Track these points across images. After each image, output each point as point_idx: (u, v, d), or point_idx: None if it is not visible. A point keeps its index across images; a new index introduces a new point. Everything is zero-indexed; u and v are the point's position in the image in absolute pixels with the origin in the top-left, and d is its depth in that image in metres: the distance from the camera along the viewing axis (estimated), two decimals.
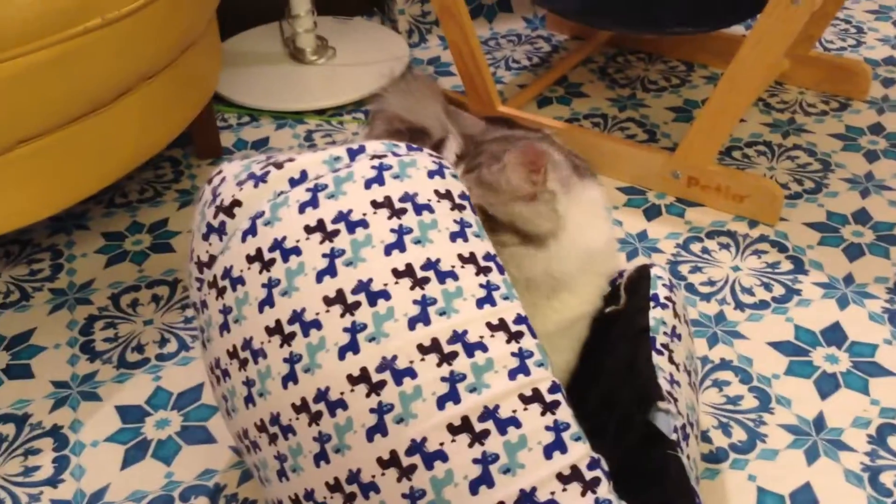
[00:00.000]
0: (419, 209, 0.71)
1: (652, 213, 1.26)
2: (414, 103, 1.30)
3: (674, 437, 0.71)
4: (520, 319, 0.69)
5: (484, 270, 0.70)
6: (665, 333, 0.79)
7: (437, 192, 0.72)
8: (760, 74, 1.14)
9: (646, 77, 1.58)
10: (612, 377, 0.80)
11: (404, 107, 1.30)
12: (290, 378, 0.67)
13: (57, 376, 1.04)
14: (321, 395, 0.65)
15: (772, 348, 1.03)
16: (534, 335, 0.69)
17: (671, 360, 0.77)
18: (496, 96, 1.40)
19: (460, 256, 0.70)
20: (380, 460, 0.64)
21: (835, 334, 1.05)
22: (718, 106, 1.19)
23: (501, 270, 0.71)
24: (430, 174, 0.73)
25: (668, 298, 0.82)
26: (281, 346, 0.67)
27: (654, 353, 0.76)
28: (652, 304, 0.80)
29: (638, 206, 1.27)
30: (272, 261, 0.69)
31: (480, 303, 0.68)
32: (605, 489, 0.65)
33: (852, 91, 1.49)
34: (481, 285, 0.69)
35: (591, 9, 1.26)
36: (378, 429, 0.64)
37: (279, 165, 0.73)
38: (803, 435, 0.93)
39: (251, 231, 0.71)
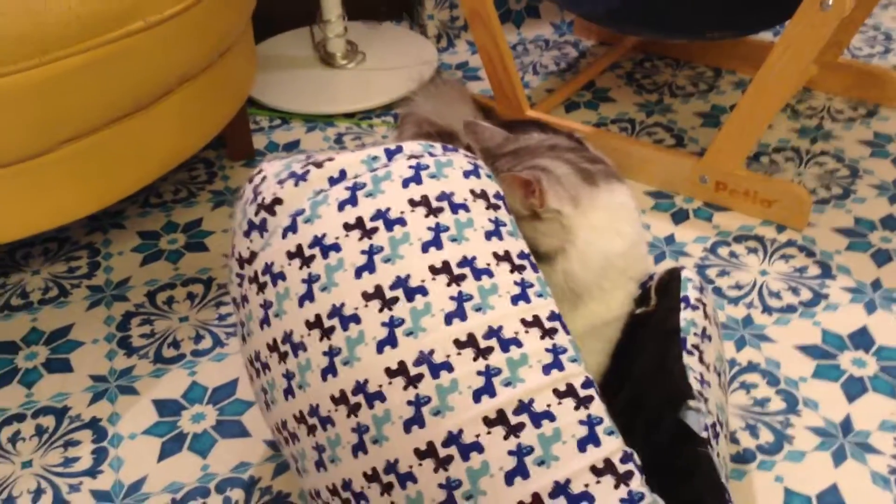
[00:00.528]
0: (455, 208, 0.72)
1: (680, 217, 1.27)
2: (444, 107, 1.32)
3: (704, 434, 0.73)
4: (553, 316, 0.70)
5: (518, 268, 0.72)
6: (695, 334, 0.80)
7: (472, 191, 0.74)
8: (789, 80, 1.15)
9: (673, 82, 1.59)
10: (642, 377, 0.81)
11: (434, 110, 1.32)
12: (329, 370, 0.69)
13: (95, 370, 1.07)
14: (360, 388, 0.67)
15: (799, 352, 1.04)
16: (567, 332, 0.70)
17: (701, 361, 0.79)
18: (524, 100, 1.42)
19: (495, 254, 0.71)
20: (417, 451, 0.65)
21: (862, 338, 1.05)
22: (747, 111, 1.19)
23: (535, 269, 0.73)
24: (466, 174, 0.75)
25: (698, 300, 0.83)
26: (321, 339, 0.69)
27: (684, 354, 0.77)
28: (682, 305, 0.82)
29: (666, 210, 1.28)
30: (312, 257, 0.71)
31: (515, 299, 0.69)
32: (637, 482, 0.66)
33: (880, 98, 1.49)
34: (516, 282, 0.70)
35: (620, 13, 1.27)
36: (415, 420, 0.65)
37: (319, 164, 0.75)
38: (830, 437, 0.94)
39: (292, 228, 0.73)
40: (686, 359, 0.77)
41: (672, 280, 0.85)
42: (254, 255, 0.76)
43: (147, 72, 1.01)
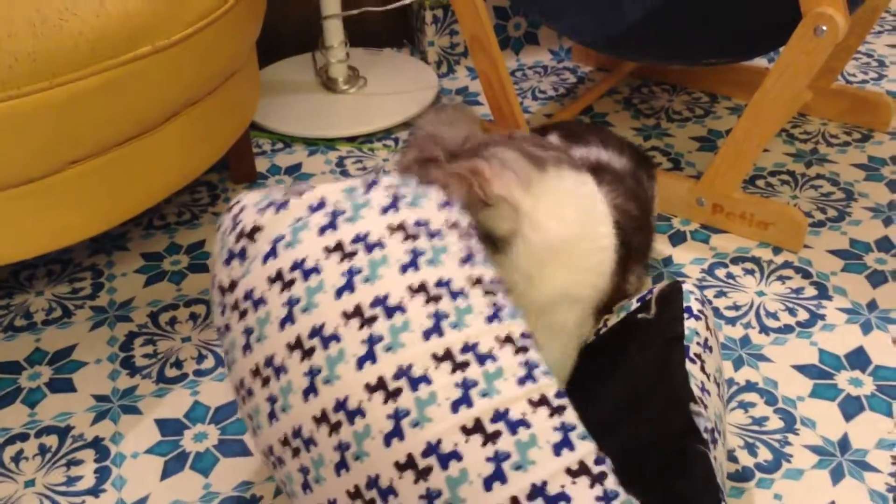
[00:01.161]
0: (431, 235, 0.75)
1: (677, 238, 1.28)
2: (449, 130, 1.34)
3: (705, 436, 0.74)
4: (525, 335, 0.74)
5: (490, 293, 0.75)
6: (698, 343, 0.81)
7: (447, 221, 0.77)
8: (784, 105, 1.17)
9: (670, 107, 1.62)
10: (641, 380, 0.82)
11: (439, 134, 1.34)
12: (310, 390, 0.70)
13: (98, 390, 1.08)
14: (340, 405, 0.69)
15: (796, 371, 1.05)
16: (537, 350, 0.74)
17: (703, 370, 0.80)
18: (524, 124, 1.44)
19: (469, 278, 0.74)
20: (397, 464, 0.66)
21: (859, 358, 1.06)
22: (743, 135, 1.21)
23: (505, 293, 0.76)
24: (441, 205, 0.78)
25: (700, 311, 0.85)
26: (301, 360, 0.71)
27: (686, 361, 0.79)
28: (686, 315, 0.83)
29: (663, 232, 1.30)
30: (292, 280, 0.73)
31: (489, 319, 0.72)
32: (611, 482, 0.68)
33: (874, 122, 1.52)
34: (488, 305, 0.73)
35: (618, 40, 1.29)
36: (395, 433, 0.67)
37: (300, 194, 0.78)
38: (828, 455, 0.94)
39: (272, 253, 0.75)
40: (688, 366, 0.78)
41: (674, 291, 0.86)
42: (234, 283, 0.78)
43: (154, 95, 1.03)
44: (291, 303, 0.72)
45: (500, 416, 0.67)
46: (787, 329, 1.11)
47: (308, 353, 0.70)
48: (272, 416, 0.73)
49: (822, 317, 1.13)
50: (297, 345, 0.71)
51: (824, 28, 1.08)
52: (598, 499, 0.66)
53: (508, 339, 0.72)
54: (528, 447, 0.67)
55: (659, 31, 1.23)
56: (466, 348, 0.70)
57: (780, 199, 1.35)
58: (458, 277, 0.73)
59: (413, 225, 0.75)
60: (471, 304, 0.72)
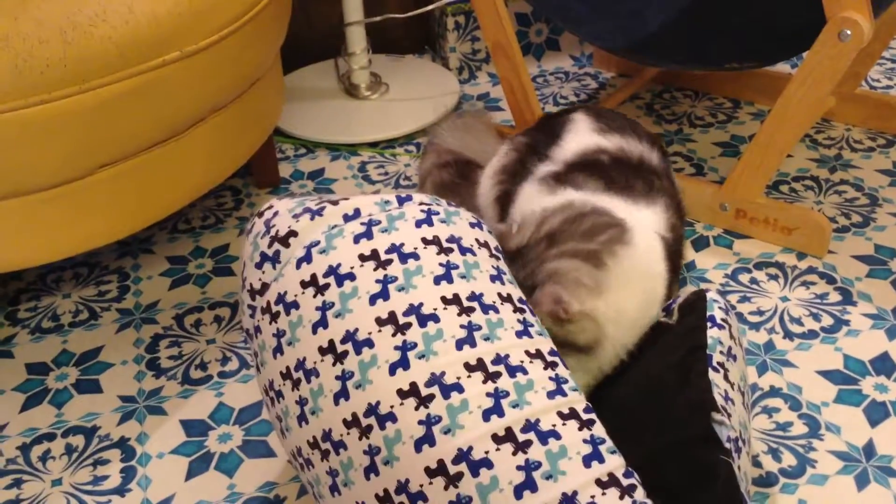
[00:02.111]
0: (464, 250, 0.77)
1: (700, 244, 1.28)
2: (467, 137, 1.35)
3: (727, 446, 0.73)
4: (553, 352, 0.75)
5: (519, 310, 0.76)
6: (721, 352, 0.81)
7: (477, 240, 0.79)
8: (808, 111, 1.17)
9: (692, 113, 1.61)
10: (664, 388, 0.82)
11: (456, 141, 1.34)
12: (341, 394, 0.70)
13: (124, 391, 1.09)
14: (371, 410, 0.69)
15: (821, 377, 1.04)
16: (566, 366, 0.75)
17: (726, 378, 0.80)
18: None
19: (500, 295, 0.76)
20: (427, 469, 0.67)
21: (884, 364, 1.06)
22: (766, 140, 1.21)
23: (533, 312, 0.78)
24: (472, 225, 0.81)
25: (724, 320, 0.84)
26: (333, 364, 0.71)
27: (710, 370, 0.79)
28: (709, 324, 0.83)
29: (687, 238, 1.29)
30: (326, 285, 0.74)
31: (519, 334, 0.74)
32: (641, 494, 0.68)
33: None
34: (518, 321, 0.75)
35: (639, 45, 1.29)
36: (426, 439, 0.67)
37: (335, 203, 0.79)
38: (853, 461, 0.94)
39: (306, 258, 0.76)
40: (711, 375, 0.78)
41: (698, 300, 0.86)
42: (265, 286, 0.78)
43: (182, 100, 1.04)
44: (325, 307, 0.73)
45: (530, 426, 0.68)
46: (812, 334, 1.11)
47: (340, 358, 0.71)
48: (302, 417, 0.74)
49: (847, 322, 1.12)
50: (329, 349, 0.72)
51: (849, 32, 1.07)
52: None
53: (538, 354, 0.73)
54: (558, 458, 0.67)
55: (680, 36, 1.23)
56: (498, 360, 0.70)
57: (804, 204, 1.35)
58: (490, 292, 0.75)
59: (446, 240, 0.76)
60: (502, 318, 0.73)
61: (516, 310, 0.75)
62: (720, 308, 0.86)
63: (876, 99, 1.52)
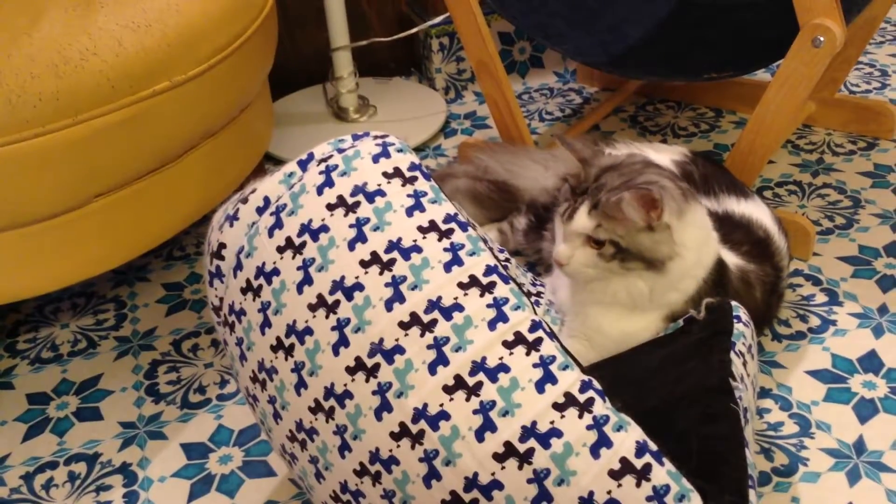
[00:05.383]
0: (371, 197, 0.74)
1: None
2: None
3: (739, 402, 0.77)
4: (489, 270, 0.72)
5: (446, 234, 0.73)
6: (744, 344, 0.85)
7: (384, 173, 0.76)
8: (786, 116, 1.19)
9: (675, 123, 1.64)
10: (683, 356, 0.85)
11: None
12: (300, 385, 0.73)
13: (124, 417, 1.10)
14: (329, 392, 0.71)
15: (810, 376, 1.06)
16: (505, 281, 0.72)
17: (744, 367, 0.84)
18: (532, 145, 1.46)
19: (419, 228, 0.73)
20: (392, 434, 0.69)
21: (871, 362, 1.07)
22: (747, 147, 1.23)
23: (464, 228, 0.74)
24: (375, 158, 0.77)
25: (748, 321, 0.90)
26: (286, 358, 0.74)
27: (732, 354, 0.82)
28: (735, 320, 0.88)
29: None
30: (260, 287, 0.76)
31: (448, 266, 0.72)
32: (600, 406, 0.69)
33: (878, 131, 1.53)
34: (445, 249, 0.73)
35: (621, 59, 1.32)
36: (383, 407, 0.69)
37: (245, 200, 0.80)
38: (844, 458, 0.95)
39: (238, 266, 0.78)
40: (732, 356, 0.83)
41: (725, 303, 0.92)
42: (221, 300, 0.81)
43: (173, 128, 1.06)
44: (264, 308, 0.75)
45: (478, 366, 0.68)
46: (800, 335, 1.12)
47: (289, 351, 0.73)
48: (276, 415, 0.76)
49: (834, 322, 1.14)
50: (278, 345, 0.74)
51: (822, 39, 1.10)
52: (589, 427, 0.67)
53: (473, 282, 0.71)
54: (511, 391, 0.68)
55: (659, 49, 1.26)
56: (431, 306, 0.70)
57: (788, 208, 1.37)
58: (408, 231, 0.73)
59: (350, 194, 0.75)
60: (426, 257, 0.72)
61: (441, 235, 0.73)
62: (744, 313, 0.91)
63: (855, 103, 1.55)
